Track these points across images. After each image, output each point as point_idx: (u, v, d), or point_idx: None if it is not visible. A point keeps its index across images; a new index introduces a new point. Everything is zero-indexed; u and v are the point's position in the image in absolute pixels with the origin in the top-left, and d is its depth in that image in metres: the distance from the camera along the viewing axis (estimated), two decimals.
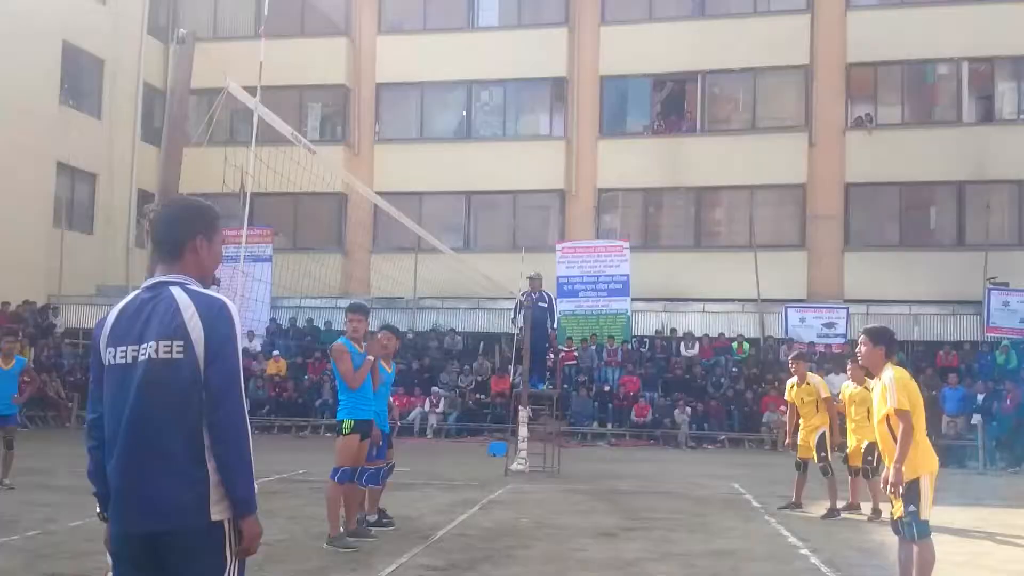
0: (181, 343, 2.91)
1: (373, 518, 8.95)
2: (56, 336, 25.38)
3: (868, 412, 9.28)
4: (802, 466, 11.17)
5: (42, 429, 22.02)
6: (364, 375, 8.10)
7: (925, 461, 6.17)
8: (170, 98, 4.86)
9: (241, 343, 3.02)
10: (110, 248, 28.51)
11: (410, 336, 24.88)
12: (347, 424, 8.12)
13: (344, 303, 25.82)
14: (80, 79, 28.22)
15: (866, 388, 10.08)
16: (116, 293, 27.34)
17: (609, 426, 22.41)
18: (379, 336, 9.05)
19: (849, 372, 11.26)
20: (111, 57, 28.62)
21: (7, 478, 11.29)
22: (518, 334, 16.10)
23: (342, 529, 8.19)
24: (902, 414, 6.07)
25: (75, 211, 27.67)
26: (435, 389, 22.94)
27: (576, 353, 24.00)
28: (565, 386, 21.25)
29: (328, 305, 26.12)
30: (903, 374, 6.30)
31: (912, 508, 6.04)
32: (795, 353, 12.33)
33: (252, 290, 21.06)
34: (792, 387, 11.29)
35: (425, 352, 24.57)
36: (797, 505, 11.06)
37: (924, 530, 6.06)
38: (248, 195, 7.23)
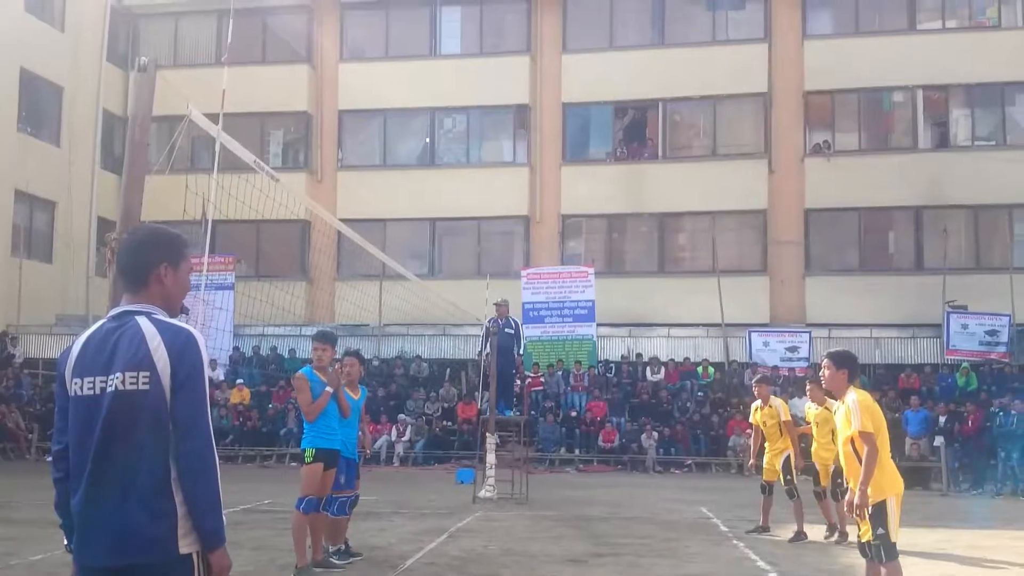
0: (147, 374, 2.86)
1: (337, 549, 8.82)
2: (15, 366, 24.92)
3: (832, 433, 9.40)
4: (768, 489, 11.20)
5: (0, 461, 21.53)
6: (321, 407, 7.98)
7: (891, 483, 6.23)
8: (131, 125, 4.82)
9: (207, 373, 2.98)
10: (70, 277, 28.07)
11: (376, 363, 24.74)
12: (309, 452, 8.04)
13: (309, 331, 25.76)
14: (38, 106, 27.90)
15: (827, 408, 10.12)
16: (76, 322, 26.97)
17: (577, 452, 22.38)
18: (343, 362, 8.96)
19: (808, 392, 11.30)
20: (70, 84, 28.35)
21: None
22: (484, 360, 16.06)
23: (309, 559, 8.07)
24: (866, 436, 6.13)
25: (34, 239, 27.26)
26: (401, 416, 22.78)
27: (543, 379, 23.99)
28: (532, 412, 21.21)
29: (292, 333, 25.93)
30: (866, 397, 6.37)
31: (881, 531, 6.09)
32: (758, 376, 12.41)
33: (214, 319, 20.85)
34: (756, 410, 11.35)
35: (391, 379, 24.43)
36: (765, 529, 11.08)
37: (892, 553, 6.11)
38: (210, 222, 7.18)
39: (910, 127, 26.91)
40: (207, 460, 2.92)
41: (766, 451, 11.19)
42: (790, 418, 11.15)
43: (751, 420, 11.68)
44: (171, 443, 2.88)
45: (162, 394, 2.88)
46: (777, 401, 11.29)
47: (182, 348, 2.92)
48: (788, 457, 10.88)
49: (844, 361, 6.53)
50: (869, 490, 6.10)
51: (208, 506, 2.91)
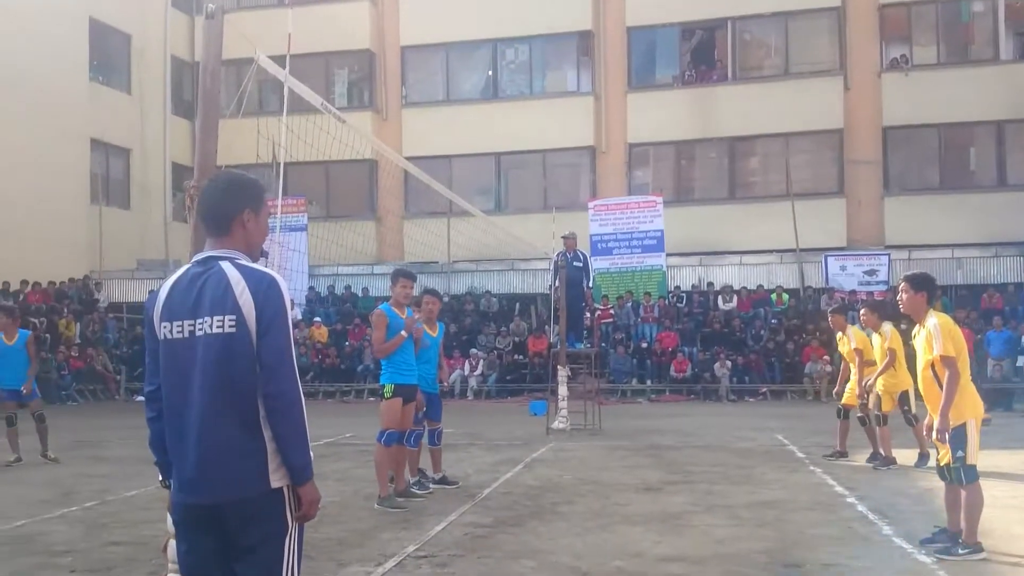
0: (233, 318, 2.95)
1: (416, 480, 9.06)
2: (100, 311, 25.82)
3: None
4: (842, 413, 11.17)
5: (91, 402, 22.47)
6: (392, 348, 8.16)
7: (971, 406, 6.14)
8: (203, 74, 4.86)
9: (290, 316, 3.06)
10: (148, 222, 28.83)
11: (446, 300, 24.95)
12: (388, 388, 8.27)
13: (380, 269, 26.17)
14: (108, 55, 28.38)
15: (879, 334, 10.48)
16: (156, 267, 27.77)
17: (648, 382, 22.44)
18: (423, 300, 9.15)
19: (862, 319, 11.19)
20: (137, 32, 28.74)
21: (49, 451, 11.51)
22: (554, 294, 16.09)
23: (391, 490, 8.33)
24: (948, 361, 6.03)
25: (111, 187, 27.98)
26: (473, 351, 23.06)
27: (612, 311, 23.97)
28: (603, 344, 21.26)
29: (364, 272, 26.32)
30: (947, 320, 6.24)
31: (960, 453, 6.04)
32: (834, 306, 12.26)
33: (289, 260, 21.24)
34: (840, 340, 11.37)
35: (462, 315, 24.68)
36: (843, 454, 11.02)
37: (972, 475, 6.06)
38: (282, 166, 7.26)
39: (991, 38, 25.74)
40: (293, 399, 3.00)
41: (850, 378, 11.11)
42: (860, 346, 10.92)
43: (839, 350, 11.69)
44: (259, 383, 2.96)
45: (248, 337, 2.95)
46: (852, 330, 11.16)
47: (266, 292, 2.98)
48: (866, 382, 10.72)
49: (922, 284, 6.41)
50: (951, 413, 6.02)
51: (296, 442, 3.00)
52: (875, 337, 10.81)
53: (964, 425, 6.08)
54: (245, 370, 2.95)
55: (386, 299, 8.87)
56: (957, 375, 6.02)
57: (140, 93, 28.86)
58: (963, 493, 6.14)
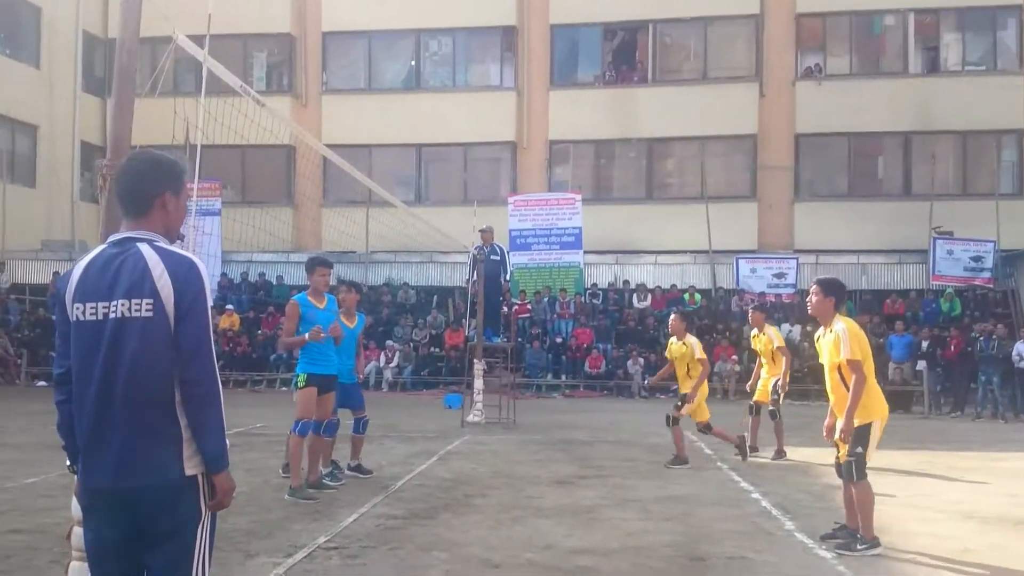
0: (151, 301, 2.88)
1: (329, 471, 8.98)
2: (2, 292, 24.84)
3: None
4: (755, 409, 11.52)
5: None
6: (295, 345, 8.15)
7: (877, 407, 6.38)
8: (119, 51, 4.72)
9: (210, 301, 3.01)
10: (54, 202, 27.83)
11: (364, 290, 24.75)
12: (301, 377, 8.20)
13: (296, 257, 25.80)
14: (17, 27, 27.32)
15: (765, 335, 11.35)
16: (61, 248, 26.86)
17: (563, 378, 22.62)
18: (339, 291, 9.09)
19: (751, 318, 11.94)
20: (48, 5, 27.71)
21: None
22: (472, 287, 16.12)
23: (303, 480, 8.24)
24: (854, 364, 6.25)
25: (16, 164, 26.95)
26: (389, 343, 22.93)
27: (529, 306, 24.11)
28: (519, 339, 21.35)
29: (280, 260, 25.91)
30: (853, 325, 6.46)
31: (859, 450, 6.27)
32: (754, 304, 12.70)
33: (202, 244, 20.76)
34: (754, 337, 11.76)
35: (379, 306, 24.50)
36: (753, 449, 11.31)
37: (863, 472, 6.33)
38: (199, 148, 7.10)
39: (901, 51, 26.69)
40: (211, 385, 2.96)
41: (762, 375, 11.51)
42: (783, 344, 11.42)
43: (753, 347, 12.03)
44: (176, 369, 2.91)
45: (166, 321, 2.90)
46: (771, 329, 11.60)
47: (186, 276, 2.93)
48: (776, 381, 11.12)
49: (832, 289, 6.64)
50: (856, 414, 6.24)
51: (212, 430, 2.96)
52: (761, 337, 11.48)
53: (869, 425, 6.32)
54: (161, 355, 2.89)
55: (302, 287, 8.77)
56: (863, 378, 6.24)
57: (49, 68, 27.83)
58: (853, 491, 6.38)
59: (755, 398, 11.55)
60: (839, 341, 6.36)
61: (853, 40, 27.00)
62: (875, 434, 6.35)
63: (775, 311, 22.67)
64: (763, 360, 11.55)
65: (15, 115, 26.53)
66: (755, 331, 11.66)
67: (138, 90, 4.87)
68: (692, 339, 10.85)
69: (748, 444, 11.32)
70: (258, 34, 28.34)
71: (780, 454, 11.10)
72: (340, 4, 28.23)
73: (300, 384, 8.20)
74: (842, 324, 6.41)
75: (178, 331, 2.91)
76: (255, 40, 28.68)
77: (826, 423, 6.58)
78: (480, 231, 16.23)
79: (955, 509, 8.17)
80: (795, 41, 26.85)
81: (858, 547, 6.34)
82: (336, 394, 8.54)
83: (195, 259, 2.99)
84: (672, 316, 11.42)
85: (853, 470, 6.31)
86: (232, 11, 23.47)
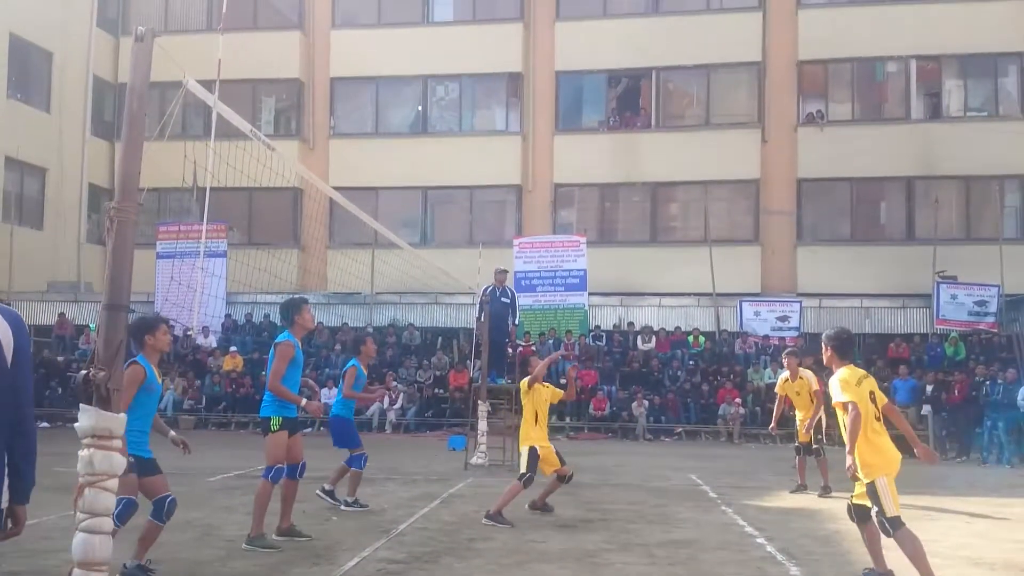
0: None
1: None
2: None
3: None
4: (801, 450, 12.02)
5: None
6: (289, 399, 7.79)
7: (883, 464, 6.49)
8: (129, 97, 4.80)
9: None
10: (61, 244, 28.04)
11: (369, 331, 24.78)
12: (276, 421, 7.83)
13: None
14: (28, 72, 27.70)
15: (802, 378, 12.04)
16: (67, 289, 27.00)
17: (568, 419, 22.52)
18: (367, 343, 10.11)
19: (785, 363, 12.43)
20: (60, 50, 28.13)
21: None
22: (478, 329, 16.15)
23: (280, 526, 8.14)
24: (845, 405, 6.47)
25: (25, 206, 27.19)
26: (394, 384, 22.89)
27: (534, 347, 24.06)
28: None
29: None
30: (845, 374, 6.62)
31: (876, 508, 6.37)
32: (788, 350, 13.23)
33: (208, 286, 20.86)
34: (785, 380, 12.27)
35: (383, 347, 24.49)
36: (803, 487, 11.81)
37: (896, 524, 6.35)
38: (207, 191, 7.19)
39: (903, 97, 26.92)
40: (32, 424, 3.37)
41: (797, 417, 12.12)
42: (820, 387, 11.73)
43: (777, 390, 12.66)
44: (8, 408, 3.22)
45: (4, 364, 3.20)
46: (807, 372, 11.95)
47: (19, 324, 3.30)
48: (819, 420, 11.85)
49: (829, 339, 6.90)
50: (860, 470, 6.38)
51: (32, 463, 3.36)
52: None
53: (874, 483, 6.38)
54: (3, 394, 3.20)
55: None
56: (858, 415, 6.36)
57: (59, 112, 28.17)
58: (905, 546, 6.33)
59: (800, 439, 12.01)
60: (832, 387, 6.64)
61: (855, 86, 27.27)
62: (883, 490, 6.38)
63: (778, 355, 22.61)
64: (794, 403, 12.09)
65: (24, 158, 26.81)
66: (786, 375, 12.05)
67: (147, 134, 4.94)
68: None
69: (799, 483, 11.81)
70: (267, 79, 28.75)
71: (826, 490, 11.55)
72: (348, 50, 28.64)
73: (274, 427, 7.84)
74: (836, 373, 6.64)
75: (15, 374, 3.23)
76: (264, 85, 29.08)
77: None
78: (496, 271, 16.38)
79: (961, 555, 8.11)
80: (797, 87, 27.13)
81: None
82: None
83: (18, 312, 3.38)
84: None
85: (887, 527, 6.34)
86: (242, 56, 23.85)
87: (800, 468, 12.02)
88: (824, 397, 11.67)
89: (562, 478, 9.94)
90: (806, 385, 11.97)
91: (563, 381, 13.65)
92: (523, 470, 9.55)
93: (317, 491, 9.83)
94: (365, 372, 10.13)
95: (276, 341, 7.95)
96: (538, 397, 9.91)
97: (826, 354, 6.85)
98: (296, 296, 9.15)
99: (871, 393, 6.58)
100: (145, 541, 6.51)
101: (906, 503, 10.70)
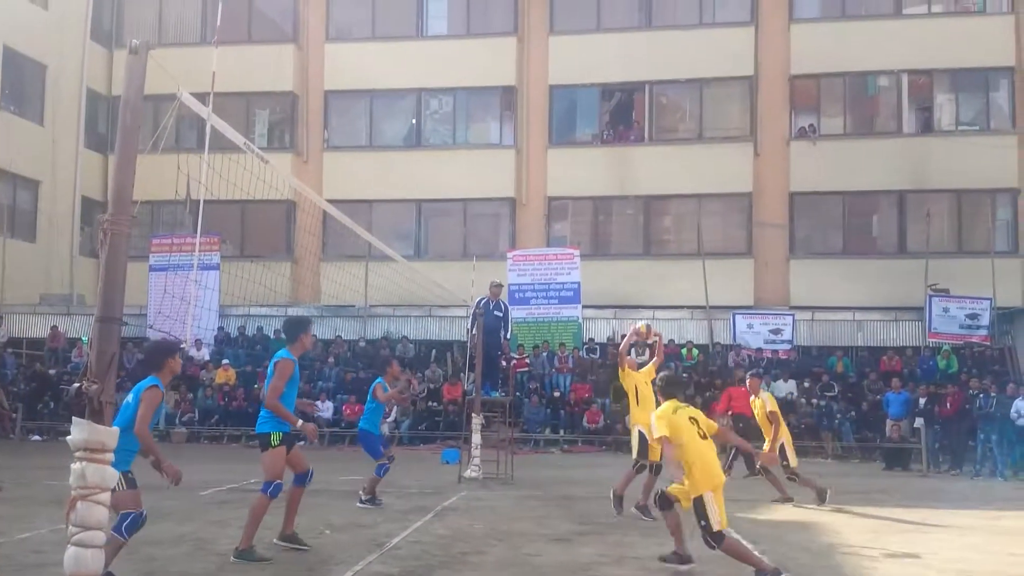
0: None
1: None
2: None
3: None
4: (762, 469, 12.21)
5: None
6: (285, 417, 7.84)
7: (703, 481, 7.05)
8: (123, 109, 4.81)
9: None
10: (53, 256, 27.97)
11: (362, 344, 24.77)
12: (276, 436, 7.88)
13: (294, 311, 25.83)
14: (22, 85, 27.70)
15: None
16: (60, 302, 26.93)
17: (561, 432, 22.51)
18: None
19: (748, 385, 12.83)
20: (53, 62, 28.14)
21: None
22: (471, 341, 16.16)
23: (284, 532, 8.25)
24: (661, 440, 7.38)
25: (17, 218, 27.12)
26: (418, 380, 22.84)
27: (528, 360, 24.08)
28: (517, 393, 21.30)
29: (278, 314, 25.89)
30: (663, 410, 7.45)
31: (704, 523, 6.93)
32: (753, 371, 13.31)
33: (201, 298, 20.81)
34: (752, 402, 12.55)
35: (376, 360, 24.44)
36: (788, 499, 11.90)
37: (719, 540, 6.95)
38: (201, 203, 7.20)
39: (895, 111, 27.07)
40: None
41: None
42: (776, 409, 11.77)
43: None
44: None
45: None
46: (765, 394, 11.96)
47: None
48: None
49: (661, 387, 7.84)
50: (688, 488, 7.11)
51: None
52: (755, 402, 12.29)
53: (701, 498, 6.90)
54: None
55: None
56: (670, 449, 7.20)
57: (53, 124, 28.17)
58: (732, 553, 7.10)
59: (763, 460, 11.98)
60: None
61: (847, 101, 27.40)
62: (710, 505, 6.90)
63: (772, 367, 22.68)
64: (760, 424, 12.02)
65: (18, 171, 26.79)
66: (753, 397, 12.05)
67: (140, 147, 4.95)
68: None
69: (782, 495, 11.90)
70: (261, 92, 28.78)
71: (822, 496, 11.71)
72: (343, 63, 28.69)
73: (275, 443, 7.86)
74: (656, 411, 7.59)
75: None
76: (258, 98, 29.11)
77: None
78: (492, 284, 16.38)
79: (955, 568, 8.10)
80: (789, 102, 27.26)
81: None
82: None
83: None
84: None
85: (711, 541, 6.94)
86: (236, 69, 23.89)
87: (774, 482, 12.17)
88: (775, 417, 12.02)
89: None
90: (760, 406, 12.19)
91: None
92: (634, 456, 10.67)
93: (358, 503, 11.04)
94: (389, 389, 11.53)
95: (276, 358, 8.00)
96: (632, 380, 11.30)
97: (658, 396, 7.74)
98: (303, 316, 9.36)
99: (691, 419, 7.31)
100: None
101: (900, 515, 10.74)
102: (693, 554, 7.58)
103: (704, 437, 7.21)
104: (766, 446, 11.94)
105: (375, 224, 24.89)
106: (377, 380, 11.46)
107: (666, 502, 7.40)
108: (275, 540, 8.10)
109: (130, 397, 6.47)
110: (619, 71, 27.73)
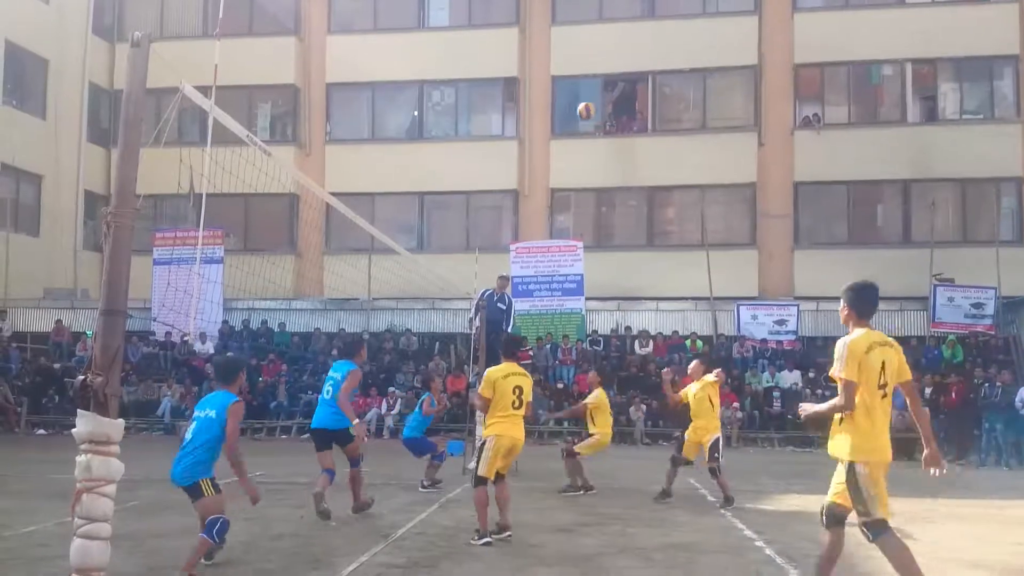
0: None
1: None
2: (3, 340, 24.86)
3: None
4: (680, 461, 11.71)
5: None
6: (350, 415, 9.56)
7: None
8: (125, 103, 4.81)
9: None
10: (57, 250, 28.00)
11: (365, 337, 24.76)
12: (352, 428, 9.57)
13: (298, 304, 25.92)
14: (24, 79, 27.69)
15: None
16: (63, 296, 26.96)
17: (565, 424, 22.50)
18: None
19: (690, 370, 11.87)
20: (55, 57, 28.13)
21: None
22: (474, 333, 16.14)
23: (355, 504, 9.74)
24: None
25: (20, 213, 27.15)
26: (391, 389, 22.86)
27: (531, 352, 24.03)
28: None
29: (282, 307, 25.96)
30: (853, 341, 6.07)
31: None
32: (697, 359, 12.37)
33: (205, 292, 20.84)
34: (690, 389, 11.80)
35: (381, 353, 24.48)
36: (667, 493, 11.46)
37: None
38: (204, 196, 7.19)
39: (899, 100, 26.98)
40: None
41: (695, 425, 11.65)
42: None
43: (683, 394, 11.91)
44: None
45: None
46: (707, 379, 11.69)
47: None
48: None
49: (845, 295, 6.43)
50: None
51: None
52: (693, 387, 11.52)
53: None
54: None
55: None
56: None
57: (55, 119, 28.17)
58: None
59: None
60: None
61: (851, 90, 27.32)
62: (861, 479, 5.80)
63: (776, 358, 22.66)
64: (693, 410, 11.47)
65: (20, 165, 26.80)
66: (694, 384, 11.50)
67: (143, 140, 4.94)
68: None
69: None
70: (263, 85, 28.75)
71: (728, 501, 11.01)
72: (344, 56, 28.65)
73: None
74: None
75: None
76: (260, 91, 29.09)
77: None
78: (500, 277, 16.39)
79: (961, 558, 8.11)
80: (793, 91, 27.18)
81: None
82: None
83: None
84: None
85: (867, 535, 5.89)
86: (238, 62, 23.84)
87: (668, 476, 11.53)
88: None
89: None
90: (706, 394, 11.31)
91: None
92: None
93: (420, 488, 12.03)
94: (436, 402, 13.01)
95: (350, 368, 9.64)
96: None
97: (842, 312, 6.22)
98: (358, 334, 10.45)
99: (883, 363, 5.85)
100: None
101: (905, 505, 10.72)
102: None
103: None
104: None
105: (377, 217, 24.87)
106: (425, 395, 13.02)
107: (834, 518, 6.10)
108: (350, 512, 9.54)
109: (212, 412, 7.01)
110: (622, 61, 27.65)
